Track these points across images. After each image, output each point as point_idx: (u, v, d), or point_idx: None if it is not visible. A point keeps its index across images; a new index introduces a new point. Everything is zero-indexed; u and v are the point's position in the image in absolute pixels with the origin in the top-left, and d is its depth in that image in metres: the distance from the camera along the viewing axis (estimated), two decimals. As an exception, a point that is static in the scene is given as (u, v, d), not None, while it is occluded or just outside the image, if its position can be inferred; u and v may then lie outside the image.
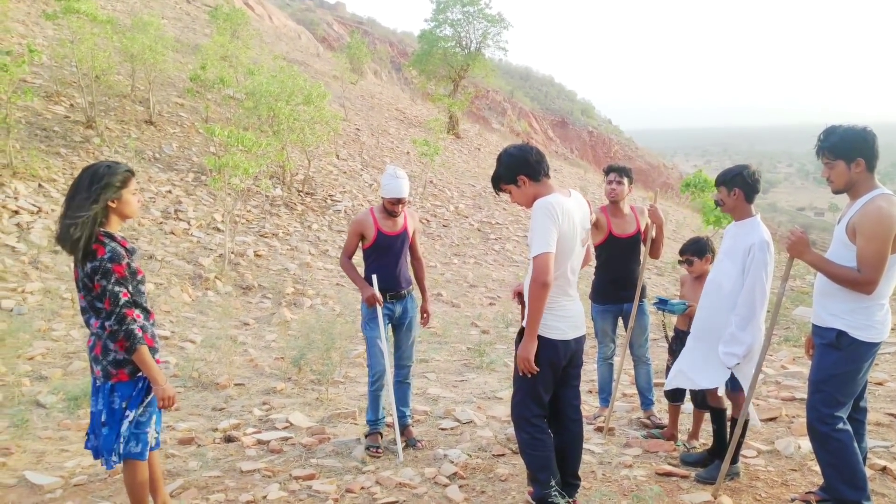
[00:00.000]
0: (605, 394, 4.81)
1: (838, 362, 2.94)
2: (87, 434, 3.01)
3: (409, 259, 4.43)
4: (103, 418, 2.88)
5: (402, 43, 48.99)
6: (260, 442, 4.56)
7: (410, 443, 4.34)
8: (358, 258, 4.27)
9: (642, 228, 4.59)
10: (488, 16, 25.11)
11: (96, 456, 2.98)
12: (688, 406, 4.52)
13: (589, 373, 5.32)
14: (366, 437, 4.37)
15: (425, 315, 4.48)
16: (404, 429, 4.43)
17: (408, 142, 19.20)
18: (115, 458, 2.91)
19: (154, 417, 3.02)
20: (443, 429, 4.72)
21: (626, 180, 4.57)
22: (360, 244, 4.29)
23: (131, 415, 2.89)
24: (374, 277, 4.18)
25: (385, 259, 4.21)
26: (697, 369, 3.53)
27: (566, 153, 43.44)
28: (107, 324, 2.79)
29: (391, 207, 4.16)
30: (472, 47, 25.55)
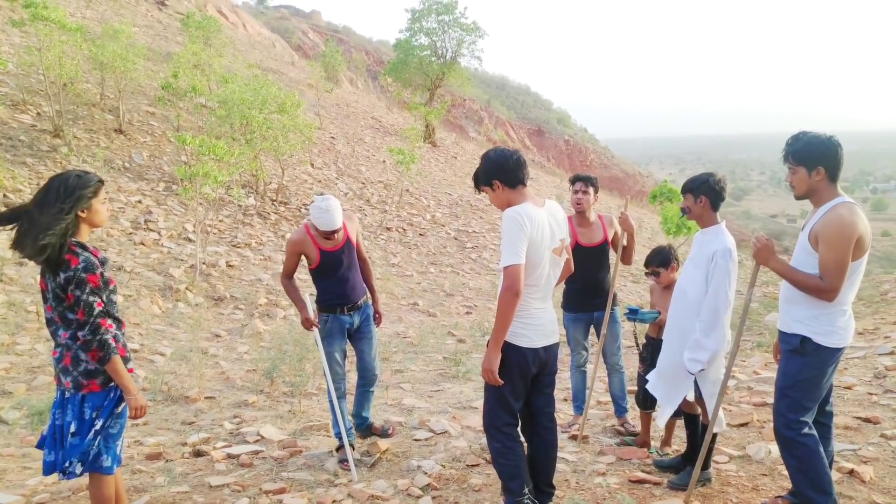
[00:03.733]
0: (580, 402, 4.81)
1: (803, 368, 2.97)
2: (40, 446, 2.93)
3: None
4: (73, 429, 2.83)
5: (378, 51, 49.00)
6: (230, 456, 4.48)
7: (383, 432, 4.36)
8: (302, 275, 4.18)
9: (610, 237, 4.61)
10: (463, 25, 25.25)
11: (51, 470, 2.90)
12: (660, 413, 4.54)
13: (564, 380, 5.32)
14: (337, 450, 4.32)
15: (377, 316, 4.44)
16: (368, 429, 4.44)
17: (384, 150, 19.17)
18: (79, 469, 2.84)
19: (123, 432, 2.97)
20: (417, 440, 4.68)
21: (591, 189, 4.60)
22: (304, 263, 4.20)
23: (99, 424, 2.85)
24: (310, 298, 4.15)
25: (336, 274, 4.14)
26: (668, 392, 3.59)
27: (543, 162, 43.75)
28: (80, 334, 2.76)
29: (326, 236, 4.08)
30: (447, 56, 25.66)
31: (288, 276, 4.20)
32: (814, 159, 2.90)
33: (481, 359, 7.29)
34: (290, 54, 32.81)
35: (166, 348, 7.14)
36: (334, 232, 4.03)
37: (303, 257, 4.21)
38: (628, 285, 13.76)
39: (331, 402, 4.23)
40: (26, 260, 7.08)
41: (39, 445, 2.95)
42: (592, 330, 4.79)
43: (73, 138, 11.43)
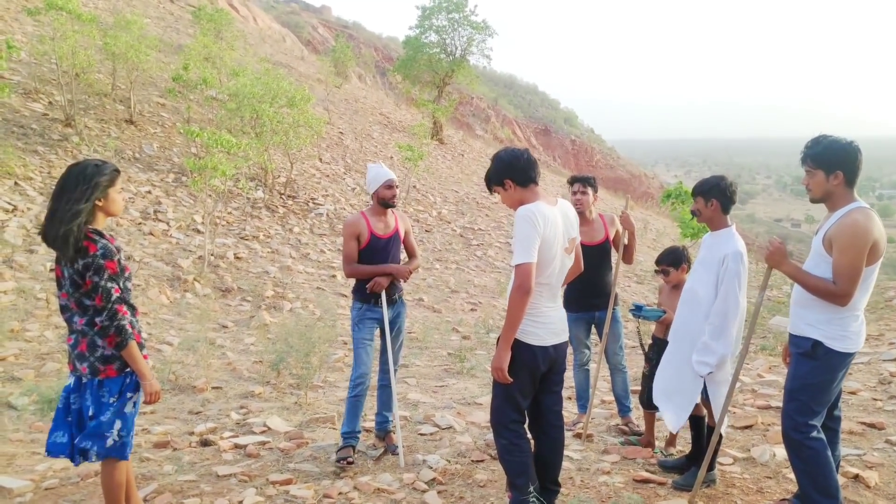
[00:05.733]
0: (583, 400, 4.83)
1: (813, 371, 2.98)
2: (51, 433, 2.95)
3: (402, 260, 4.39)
4: (91, 412, 2.88)
5: (387, 48, 48.99)
6: (237, 446, 4.51)
7: (390, 449, 4.31)
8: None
9: (611, 236, 4.63)
10: (473, 23, 25.20)
11: (59, 452, 2.92)
12: (665, 413, 4.55)
13: (567, 379, 5.34)
14: (338, 450, 4.19)
15: (409, 270, 4.28)
16: (386, 434, 4.41)
17: (391, 146, 19.19)
18: (94, 451, 2.87)
19: (135, 418, 3.01)
20: (422, 434, 4.71)
21: (590, 190, 4.61)
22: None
23: (115, 407, 2.88)
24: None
25: (378, 262, 4.17)
26: (669, 396, 3.60)
27: (549, 161, 43.70)
28: (97, 319, 2.81)
29: (387, 193, 4.14)
30: (456, 54, 25.61)
31: (351, 261, 4.16)
32: (833, 163, 2.90)
33: (486, 355, 7.34)
34: (299, 49, 32.84)
35: (174, 338, 7.19)
36: (393, 185, 4.15)
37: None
38: (632, 285, 13.76)
39: (350, 394, 4.18)
40: (36, 247, 7.09)
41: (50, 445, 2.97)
42: (594, 330, 4.80)
43: (84, 128, 11.48)
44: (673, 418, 3.61)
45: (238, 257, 9.96)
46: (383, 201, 4.17)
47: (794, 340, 3.09)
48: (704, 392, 3.52)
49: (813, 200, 3.03)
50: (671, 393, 3.61)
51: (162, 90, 14.50)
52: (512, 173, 3.02)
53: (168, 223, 9.95)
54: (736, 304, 3.31)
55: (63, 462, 4.13)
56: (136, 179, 10.82)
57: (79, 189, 2.77)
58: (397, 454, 4.19)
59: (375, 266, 4.14)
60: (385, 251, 4.19)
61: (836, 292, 2.84)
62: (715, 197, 3.45)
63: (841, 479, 3.46)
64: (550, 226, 2.90)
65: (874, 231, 2.81)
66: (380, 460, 4.22)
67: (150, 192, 10.63)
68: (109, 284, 2.79)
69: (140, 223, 9.63)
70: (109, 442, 2.86)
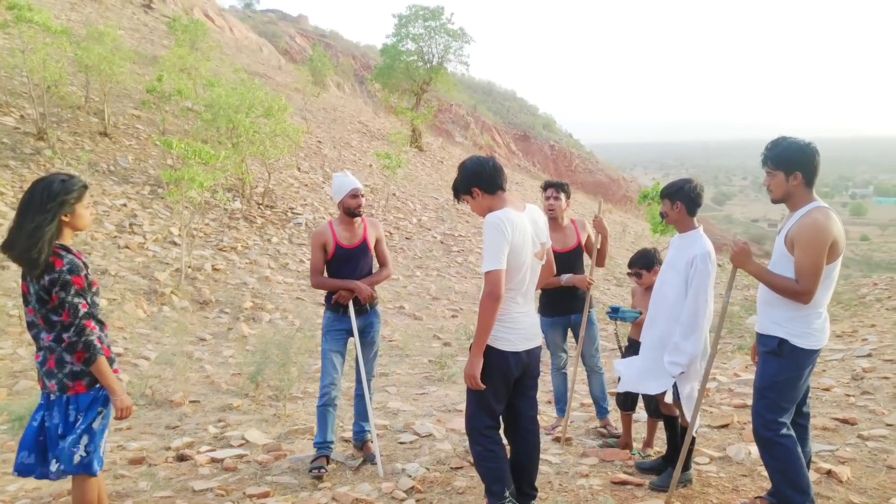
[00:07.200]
0: (562, 404, 4.85)
1: (780, 369, 3.03)
2: (19, 452, 2.91)
3: (373, 269, 4.36)
4: (60, 431, 2.84)
5: (365, 56, 48.98)
6: (214, 460, 4.46)
7: (368, 458, 4.29)
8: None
9: (583, 241, 4.67)
10: (450, 30, 25.37)
11: (28, 472, 2.88)
12: (642, 415, 4.59)
13: (547, 383, 5.37)
14: (312, 461, 4.18)
15: (373, 294, 4.19)
16: (363, 444, 4.39)
17: (370, 154, 19.18)
18: (55, 467, 2.83)
19: (105, 433, 2.97)
20: (402, 443, 4.69)
21: (563, 195, 4.65)
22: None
23: (82, 425, 2.84)
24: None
25: (345, 273, 4.15)
26: (644, 376, 3.62)
27: (528, 167, 43.94)
28: (65, 335, 2.76)
29: (352, 202, 4.11)
30: (434, 61, 25.74)
31: (318, 272, 4.15)
32: (792, 164, 2.97)
33: (466, 361, 7.31)
34: (277, 58, 32.73)
35: (151, 352, 7.10)
36: (359, 194, 4.13)
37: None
38: (612, 288, 13.87)
39: (319, 404, 4.18)
40: (8, 263, 7.00)
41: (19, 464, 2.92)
42: (571, 333, 4.84)
43: (58, 141, 11.34)
44: (655, 385, 3.54)
45: (216, 269, 9.87)
46: (349, 210, 4.14)
47: (761, 339, 3.15)
48: (677, 393, 3.55)
49: (774, 201, 3.10)
50: (645, 376, 3.62)
51: (137, 102, 14.37)
52: (478, 182, 3.04)
53: (144, 236, 9.85)
54: (706, 305, 3.36)
55: (35, 482, 4.06)
56: (111, 192, 10.70)
57: (43, 206, 2.72)
58: (376, 464, 4.17)
59: (340, 281, 4.13)
60: (352, 261, 4.16)
61: (798, 290, 2.89)
62: (680, 199, 3.50)
63: (814, 475, 3.51)
64: (519, 232, 2.92)
65: (833, 230, 2.88)
66: (359, 470, 4.20)
67: (125, 204, 10.51)
68: (76, 300, 2.75)
69: (115, 236, 9.52)
70: (76, 458, 2.81)
